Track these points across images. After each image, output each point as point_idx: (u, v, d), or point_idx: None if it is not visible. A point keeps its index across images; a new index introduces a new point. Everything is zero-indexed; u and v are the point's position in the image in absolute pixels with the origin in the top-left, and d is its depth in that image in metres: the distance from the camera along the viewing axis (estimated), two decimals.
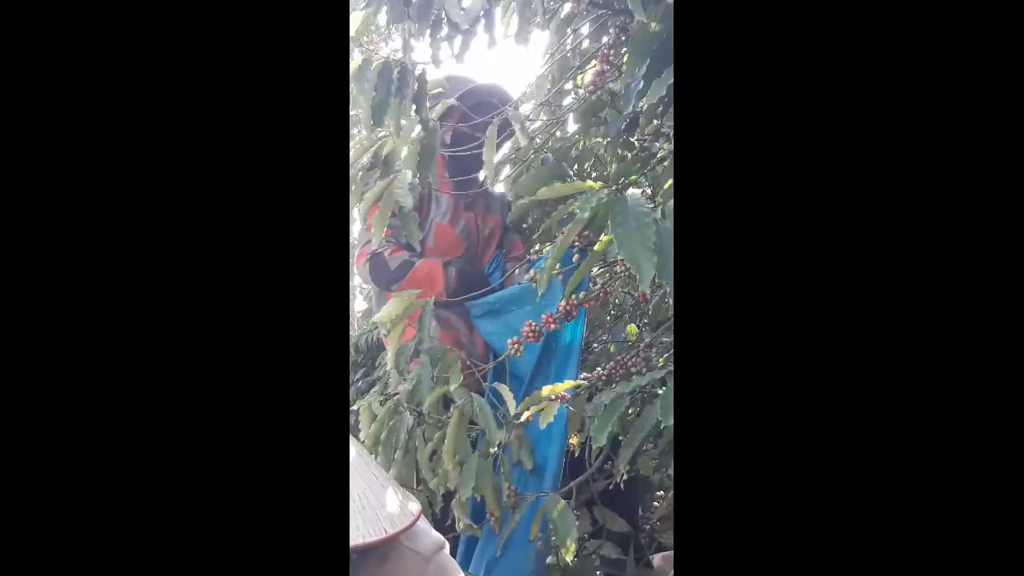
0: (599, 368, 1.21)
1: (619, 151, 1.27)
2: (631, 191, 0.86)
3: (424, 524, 0.89)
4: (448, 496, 1.09)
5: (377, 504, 0.81)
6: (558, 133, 1.49)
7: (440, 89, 1.31)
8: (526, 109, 1.44)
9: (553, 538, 1.02)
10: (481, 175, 1.42)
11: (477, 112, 1.34)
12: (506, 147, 1.51)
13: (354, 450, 0.86)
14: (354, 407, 1.14)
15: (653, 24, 0.93)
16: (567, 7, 1.18)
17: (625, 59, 1.01)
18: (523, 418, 1.09)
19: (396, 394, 1.09)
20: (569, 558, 1.00)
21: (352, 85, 0.99)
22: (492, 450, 1.06)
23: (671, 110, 0.95)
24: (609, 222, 0.83)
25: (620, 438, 1.00)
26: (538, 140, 1.40)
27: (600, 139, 1.43)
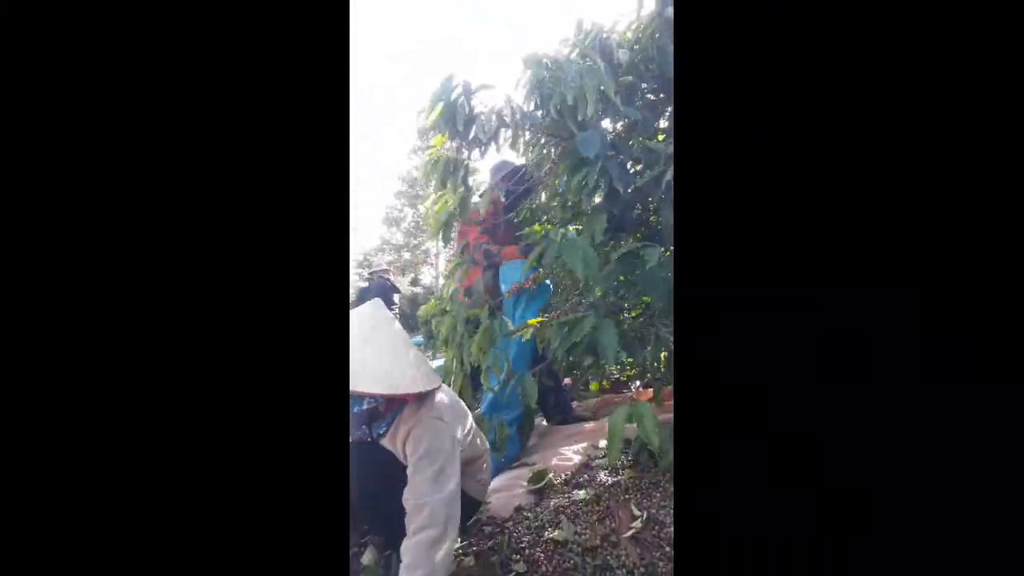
0: (554, 311, 2.20)
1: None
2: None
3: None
4: (477, 369, 2.03)
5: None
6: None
7: (486, 178, 2.68)
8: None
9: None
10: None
11: (516, 181, 2.39)
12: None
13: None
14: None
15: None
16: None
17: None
18: (513, 333, 1.97)
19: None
20: (531, 404, 1.71)
21: (428, 175, 1.88)
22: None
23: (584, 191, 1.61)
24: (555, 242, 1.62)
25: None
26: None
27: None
